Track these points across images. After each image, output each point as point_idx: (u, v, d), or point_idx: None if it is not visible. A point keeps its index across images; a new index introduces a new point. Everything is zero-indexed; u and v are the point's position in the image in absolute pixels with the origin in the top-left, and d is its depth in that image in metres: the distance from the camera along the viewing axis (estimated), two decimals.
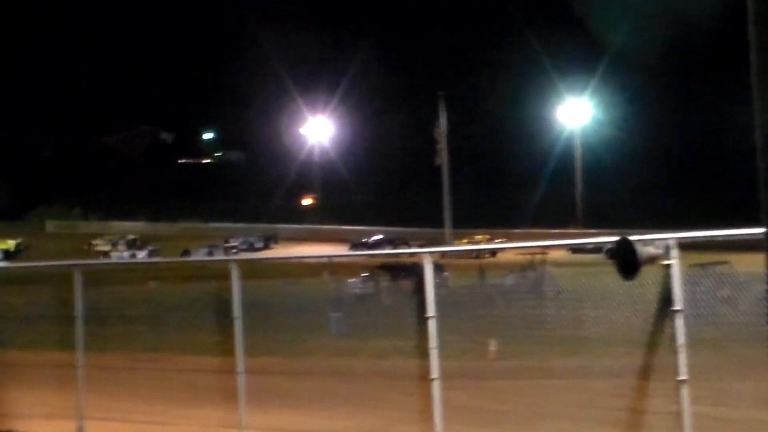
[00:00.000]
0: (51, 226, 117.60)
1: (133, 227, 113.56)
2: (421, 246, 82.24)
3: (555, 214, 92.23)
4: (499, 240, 78.35)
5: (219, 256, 75.00)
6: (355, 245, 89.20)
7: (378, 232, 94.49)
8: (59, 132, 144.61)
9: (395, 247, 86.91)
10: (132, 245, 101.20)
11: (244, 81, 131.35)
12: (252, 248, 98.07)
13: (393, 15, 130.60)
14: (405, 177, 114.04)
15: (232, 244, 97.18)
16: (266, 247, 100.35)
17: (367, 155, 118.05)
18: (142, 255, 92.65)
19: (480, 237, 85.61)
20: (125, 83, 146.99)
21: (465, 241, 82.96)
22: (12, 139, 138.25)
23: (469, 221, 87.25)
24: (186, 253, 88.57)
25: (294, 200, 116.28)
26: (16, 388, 20.08)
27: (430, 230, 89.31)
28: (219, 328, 21.06)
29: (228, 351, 16.34)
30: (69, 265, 17.51)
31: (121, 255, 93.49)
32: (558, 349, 15.99)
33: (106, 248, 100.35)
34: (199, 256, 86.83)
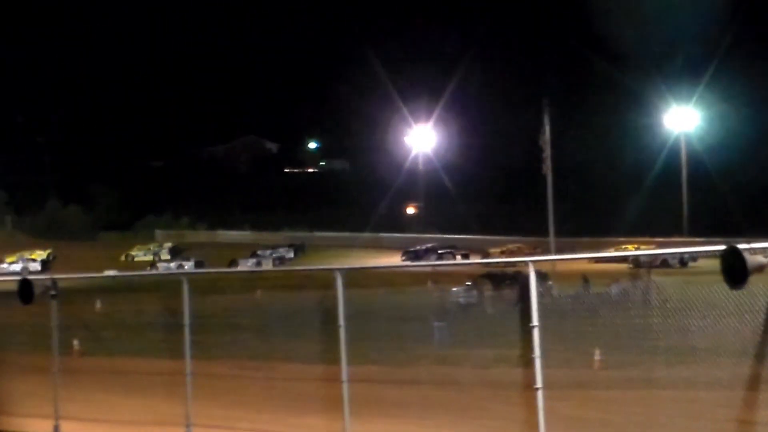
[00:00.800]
0: (160, 235, 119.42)
1: (241, 236, 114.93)
2: (465, 255, 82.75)
3: (661, 223, 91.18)
4: (538, 249, 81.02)
5: (320, 266, 75.15)
6: (407, 252, 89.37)
7: (482, 242, 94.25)
8: (168, 143, 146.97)
9: (441, 256, 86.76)
10: (174, 254, 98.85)
11: (347, 90, 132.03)
12: (283, 259, 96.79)
13: (497, 23, 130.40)
14: (509, 185, 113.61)
15: (273, 254, 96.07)
16: (296, 257, 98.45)
17: (471, 163, 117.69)
18: (189, 265, 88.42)
19: (511, 246, 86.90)
20: (231, 94, 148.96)
21: (499, 251, 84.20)
22: (122, 149, 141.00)
23: (573, 229, 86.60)
24: (234, 263, 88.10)
25: (398, 209, 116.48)
26: (127, 396, 20.48)
27: (533, 239, 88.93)
28: (323, 336, 21.21)
29: (332, 359, 16.39)
30: (177, 274, 17.73)
31: (168, 266, 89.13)
32: (664, 359, 15.80)
33: (147, 258, 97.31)
34: (246, 266, 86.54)
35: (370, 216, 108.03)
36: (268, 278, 51.83)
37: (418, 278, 51.26)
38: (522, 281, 15.47)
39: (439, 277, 49.14)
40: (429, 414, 18.02)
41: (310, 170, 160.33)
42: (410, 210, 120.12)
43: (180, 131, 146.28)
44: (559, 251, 76.73)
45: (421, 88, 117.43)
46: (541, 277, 14.18)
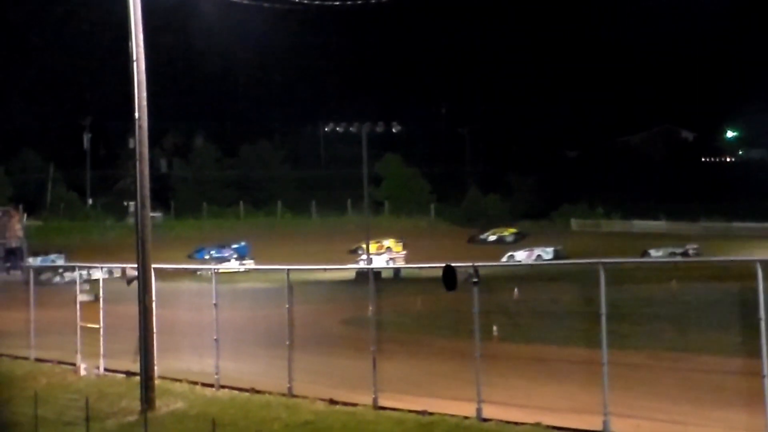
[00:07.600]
0: (575, 224, 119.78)
1: (655, 226, 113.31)
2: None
3: None
4: None
5: (738, 257, 72.79)
6: None
7: None
8: (584, 132, 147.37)
9: None
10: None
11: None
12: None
13: None
14: None
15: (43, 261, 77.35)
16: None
17: None
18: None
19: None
20: (647, 83, 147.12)
21: None
22: (539, 139, 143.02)
23: None
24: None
25: None
26: (544, 382, 20.91)
27: None
28: (742, 329, 20.74)
29: (751, 353, 16.04)
30: (593, 263, 17.90)
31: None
32: None
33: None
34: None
35: None
36: (681, 268, 51.13)
37: None
38: None
39: None
40: None
41: (728, 159, 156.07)
42: None
43: (596, 121, 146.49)
44: None
45: None
46: None
